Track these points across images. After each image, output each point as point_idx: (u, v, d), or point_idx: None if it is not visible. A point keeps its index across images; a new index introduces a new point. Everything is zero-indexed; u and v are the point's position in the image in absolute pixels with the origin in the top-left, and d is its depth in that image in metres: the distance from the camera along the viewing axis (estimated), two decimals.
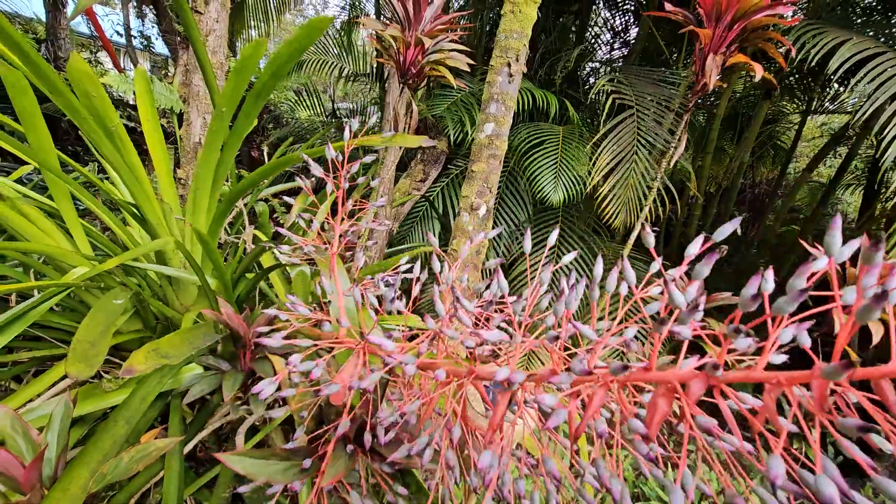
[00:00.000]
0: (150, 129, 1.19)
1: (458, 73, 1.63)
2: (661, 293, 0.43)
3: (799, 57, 1.71)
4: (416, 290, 0.62)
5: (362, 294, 0.65)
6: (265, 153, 2.03)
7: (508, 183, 2.95)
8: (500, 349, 0.48)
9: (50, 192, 1.49)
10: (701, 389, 0.30)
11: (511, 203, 2.94)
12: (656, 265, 0.40)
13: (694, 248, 0.37)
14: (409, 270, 0.72)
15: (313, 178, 2.18)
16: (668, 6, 1.43)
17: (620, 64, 4.20)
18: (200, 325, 0.89)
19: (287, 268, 1.58)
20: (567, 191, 2.50)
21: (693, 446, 0.33)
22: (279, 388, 1.16)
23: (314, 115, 5.76)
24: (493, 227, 2.69)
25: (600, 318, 0.47)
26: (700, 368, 0.33)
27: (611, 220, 2.46)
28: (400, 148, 2.09)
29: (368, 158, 0.68)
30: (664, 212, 2.63)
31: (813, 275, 0.33)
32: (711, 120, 3.38)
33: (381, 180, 1.96)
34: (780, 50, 1.45)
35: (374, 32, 1.29)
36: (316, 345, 0.55)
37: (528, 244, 0.48)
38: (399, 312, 0.66)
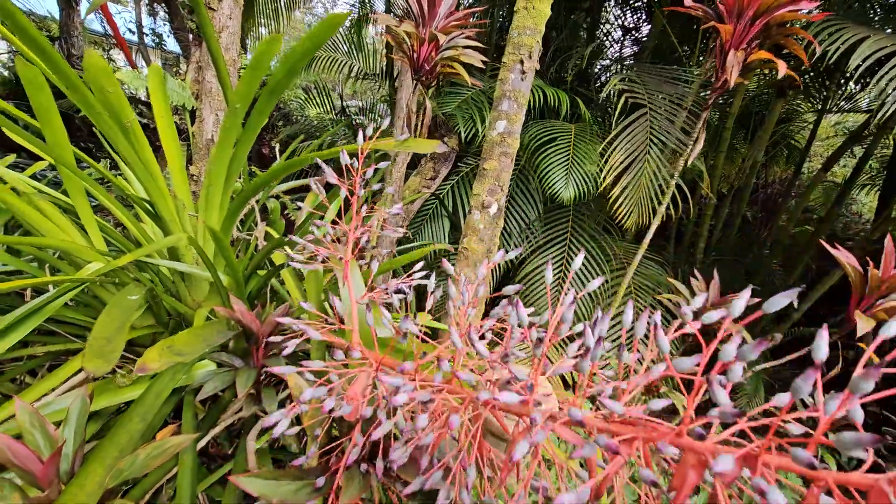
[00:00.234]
0: (164, 126, 1.19)
1: (470, 70, 1.62)
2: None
3: (817, 54, 1.68)
4: (430, 303, 0.60)
5: (373, 300, 0.64)
6: (277, 150, 2.04)
7: (518, 181, 2.93)
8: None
9: (64, 188, 1.50)
10: (736, 473, 0.28)
11: (521, 201, 2.93)
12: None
13: (740, 304, 0.32)
14: (417, 273, 0.71)
15: (323, 178, 2.17)
16: (687, 1, 1.40)
17: (631, 61, 4.16)
18: (214, 322, 0.88)
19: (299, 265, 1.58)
20: (578, 187, 2.47)
21: None
22: (290, 399, 1.15)
23: (323, 113, 5.77)
24: (504, 226, 2.67)
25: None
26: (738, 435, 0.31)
27: (623, 220, 2.44)
28: None
29: (383, 164, 0.67)
30: (676, 212, 2.60)
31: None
32: (724, 119, 3.33)
33: (392, 179, 1.96)
34: (791, 48, 1.42)
35: (387, 28, 1.28)
36: (327, 366, 0.54)
37: (549, 276, 0.46)
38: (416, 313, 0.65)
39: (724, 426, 0.30)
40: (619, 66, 4.44)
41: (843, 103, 4.76)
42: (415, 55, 1.30)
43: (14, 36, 0.95)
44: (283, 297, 1.50)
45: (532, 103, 2.65)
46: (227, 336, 0.79)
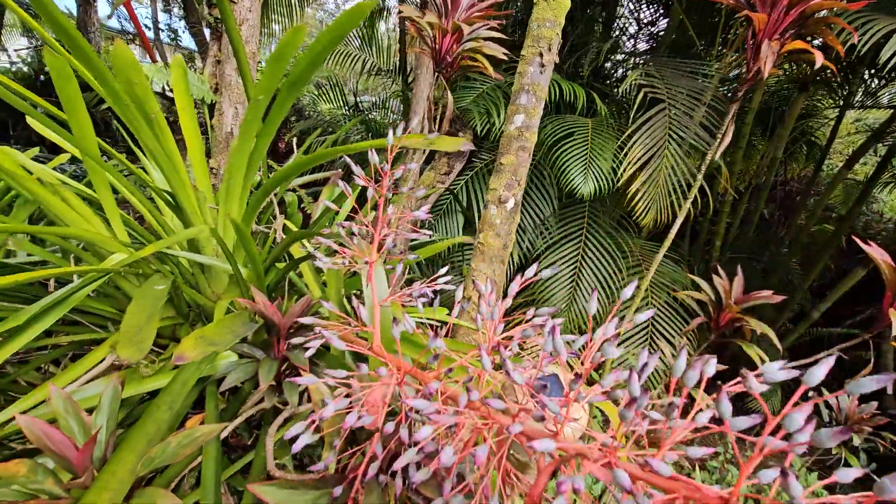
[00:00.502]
0: (186, 118, 1.20)
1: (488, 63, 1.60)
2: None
3: (856, 45, 1.62)
4: (456, 312, 0.59)
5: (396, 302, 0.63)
6: (294, 143, 2.04)
7: (533, 176, 2.91)
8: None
9: (88, 180, 1.52)
10: None
11: (536, 197, 2.90)
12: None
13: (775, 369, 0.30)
14: (441, 278, 0.70)
15: (339, 172, 2.15)
16: None
17: (647, 56, 4.10)
18: (238, 314, 0.89)
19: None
20: (597, 182, 2.44)
21: None
22: (307, 399, 1.15)
23: (335, 108, 5.78)
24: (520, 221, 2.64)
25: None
26: None
27: (641, 217, 2.40)
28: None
29: (413, 166, 0.66)
30: (694, 208, 2.56)
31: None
32: (744, 114, 3.27)
33: (408, 173, 1.95)
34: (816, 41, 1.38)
35: (408, 20, 1.26)
36: (351, 375, 0.53)
37: (593, 307, 0.44)
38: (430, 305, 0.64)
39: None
40: (634, 61, 4.38)
41: (863, 99, 4.64)
42: (437, 47, 1.29)
43: (42, 26, 0.95)
44: (301, 289, 1.50)
45: (547, 98, 2.62)
46: (253, 328, 0.79)
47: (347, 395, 0.57)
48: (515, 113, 1.75)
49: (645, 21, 4.48)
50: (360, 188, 0.73)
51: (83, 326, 1.35)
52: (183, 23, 5.76)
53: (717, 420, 0.35)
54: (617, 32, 4.22)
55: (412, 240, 2.26)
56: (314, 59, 0.92)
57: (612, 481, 0.35)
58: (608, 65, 4.35)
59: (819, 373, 0.27)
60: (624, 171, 2.38)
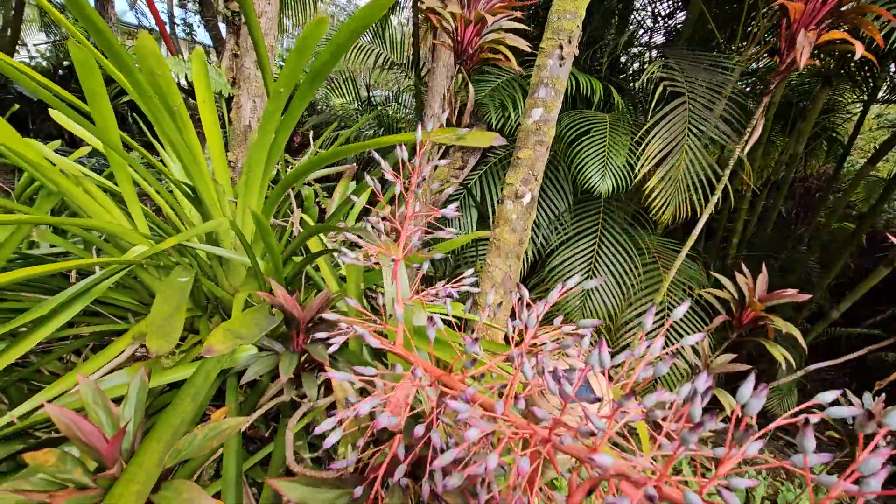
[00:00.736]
0: (206, 111, 1.20)
1: (507, 57, 1.58)
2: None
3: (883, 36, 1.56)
4: (485, 315, 0.58)
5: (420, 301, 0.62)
6: (311, 137, 2.04)
7: (549, 171, 2.87)
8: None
9: (110, 172, 1.53)
10: None
11: (551, 192, 2.87)
12: None
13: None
14: (467, 279, 0.68)
15: (353, 167, 2.14)
16: None
17: (663, 49, 4.02)
18: (260, 307, 0.89)
19: (334, 253, 1.58)
20: (615, 180, 2.41)
21: None
22: (330, 386, 1.15)
23: (348, 103, 5.77)
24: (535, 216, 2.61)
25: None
26: None
27: (658, 213, 2.36)
28: None
29: (442, 162, 0.64)
30: (716, 204, 2.51)
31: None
32: (765, 109, 3.19)
33: (433, 170, 1.94)
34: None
35: (429, 10, 1.24)
36: (381, 374, 0.52)
37: (648, 323, 0.42)
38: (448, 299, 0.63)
39: None
40: (650, 54, 4.30)
41: (888, 94, 4.51)
42: (458, 38, 1.27)
43: (67, 18, 0.95)
44: (318, 283, 1.50)
45: (565, 92, 2.58)
46: (275, 322, 0.79)
47: (362, 392, 0.56)
48: (533, 107, 1.72)
49: (663, 13, 4.40)
50: (369, 184, 0.72)
51: (104, 317, 1.36)
52: (198, 17, 5.80)
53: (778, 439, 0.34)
54: (634, 25, 4.15)
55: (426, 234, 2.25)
56: (336, 51, 0.91)
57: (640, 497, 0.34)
58: (624, 58, 4.28)
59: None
60: (642, 166, 2.34)
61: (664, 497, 0.31)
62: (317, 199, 2.13)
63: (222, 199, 1.23)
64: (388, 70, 5.04)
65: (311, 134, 2.11)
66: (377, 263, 1.32)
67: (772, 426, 0.31)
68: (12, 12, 5.42)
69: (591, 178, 2.39)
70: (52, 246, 1.45)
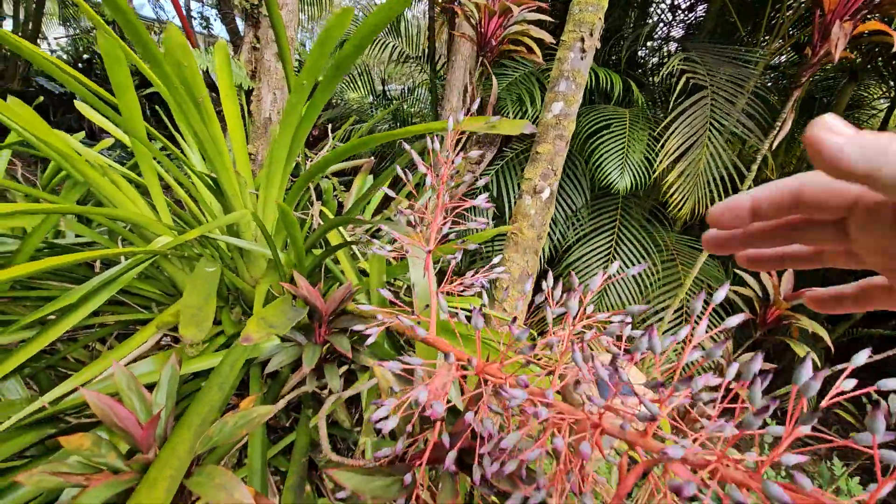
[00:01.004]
0: (229, 103, 1.21)
1: (530, 49, 1.56)
2: None
3: None
4: (522, 311, 0.58)
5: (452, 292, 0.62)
6: (329, 129, 2.05)
7: (566, 166, 2.85)
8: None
9: (133, 163, 1.55)
10: None
11: (568, 187, 2.85)
12: None
13: None
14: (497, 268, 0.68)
15: (371, 159, 2.14)
16: None
17: (687, 42, 3.95)
18: (285, 299, 0.89)
19: (353, 246, 1.59)
20: (634, 176, 2.37)
21: None
22: (351, 375, 1.16)
23: (363, 97, 5.78)
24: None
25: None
26: None
27: (677, 209, 2.33)
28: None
29: (475, 153, 0.64)
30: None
31: None
32: (794, 103, 3.12)
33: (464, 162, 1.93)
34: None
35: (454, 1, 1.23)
36: (424, 363, 0.52)
37: (698, 306, 0.41)
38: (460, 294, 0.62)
39: None
40: (668, 48, 4.23)
41: None
42: (482, 30, 1.26)
43: (93, 9, 0.96)
44: (337, 275, 1.51)
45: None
46: (302, 313, 0.80)
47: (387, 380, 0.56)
48: (554, 100, 1.70)
49: (683, 6, 4.31)
50: (400, 175, 0.71)
51: (128, 307, 1.39)
52: (215, 11, 5.84)
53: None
54: (654, 18, 4.08)
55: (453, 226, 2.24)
56: (360, 43, 0.90)
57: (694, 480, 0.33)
58: (641, 53, 4.21)
59: None
60: (661, 161, 2.30)
61: (724, 478, 0.30)
62: (334, 193, 2.14)
63: (244, 190, 1.24)
64: (403, 63, 5.03)
65: (329, 127, 2.12)
66: (395, 258, 1.31)
67: (832, 399, 0.31)
68: (34, 5, 5.52)
69: (609, 174, 2.36)
70: (77, 236, 1.48)
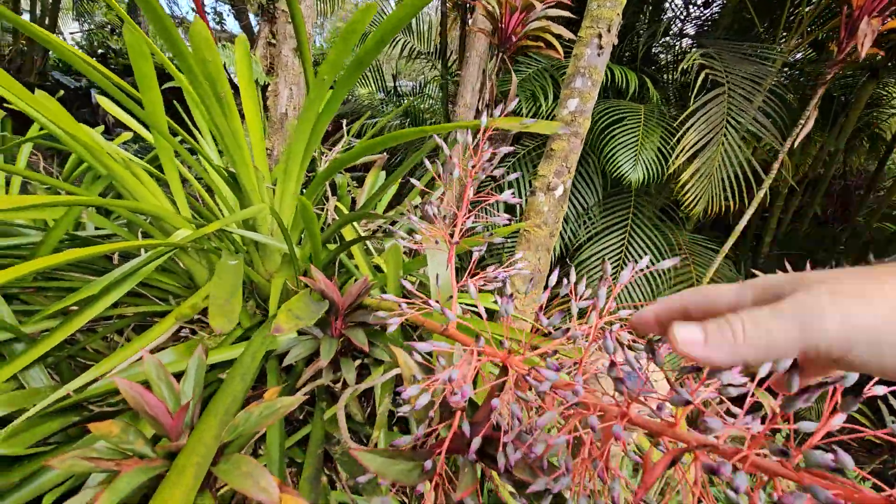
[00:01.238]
0: (247, 98, 1.22)
1: (550, 45, 1.55)
2: None
3: None
4: (542, 302, 0.58)
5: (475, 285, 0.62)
6: (344, 125, 2.05)
7: (578, 163, 2.84)
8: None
9: (155, 155, 1.57)
10: None
11: (580, 185, 2.83)
12: None
13: None
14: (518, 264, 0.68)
15: (384, 154, 2.14)
16: None
17: (703, 39, 3.90)
18: (306, 293, 0.90)
19: (367, 242, 1.60)
20: (647, 169, 2.35)
21: None
22: (366, 368, 1.16)
23: (373, 93, 5.78)
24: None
25: None
26: None
27: (690, 207, 2.31)
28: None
29: (504, 150, 0.64)
30: (745, 202, 2.44)
31: None
32: (805, 102, 3.08)
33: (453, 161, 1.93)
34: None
35: None
36: (452, 348, 0.52)
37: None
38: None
39: None
40: (680, 44, 4.18)
41: None
42: (502, 26, 1.25)
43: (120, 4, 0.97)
44: (351, 270, 1.52)
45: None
46: (325, 306, 0.81)
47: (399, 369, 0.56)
48: (569, 97, 1.69)
49: (698, 2, 4.26)
50: (430, 170, 0.71)
51: (146, 299, 1.41)
52: (228, 6, 5.87)
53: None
54: (669, 14, 4.03)
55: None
56: (382, 37, 0.91)
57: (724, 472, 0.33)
58: (655, 49, 4.17)
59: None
60: (677, 157, 2.28)
61: (758, 468, 0.30)
62: (348, 189, 2.15)
63: (261, 185, 1.25)
64: (414, 60, 5.02)
65: (344, 122, 2.13)
66: (413, 250, 1.32)
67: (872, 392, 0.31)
68: (50, 0, 5.58)
69: (622, 166, 2.34)
70: (97, 227, 1.50)
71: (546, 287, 0.56)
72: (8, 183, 1.67)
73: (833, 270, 0.30)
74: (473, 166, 0.63)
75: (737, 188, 2.38)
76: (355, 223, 1.53)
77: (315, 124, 1.17)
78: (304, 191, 1.42)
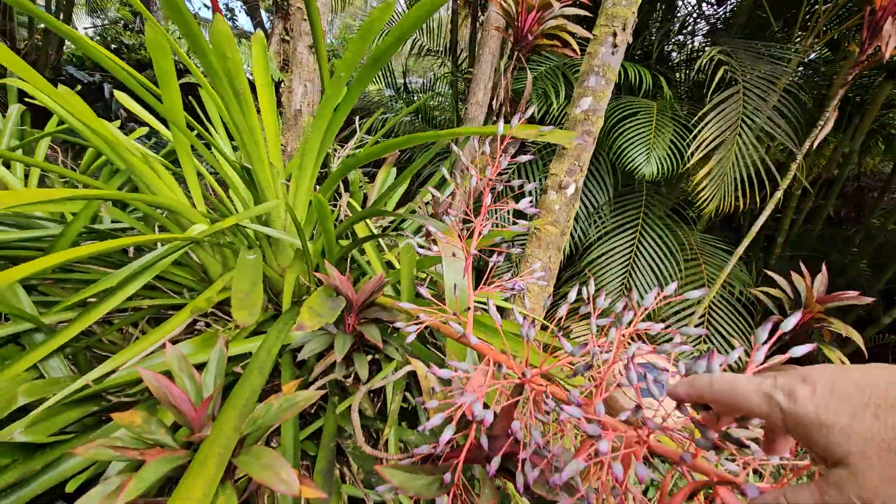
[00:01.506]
0: (264, 94, 1.22)
1: (566, 43, 1.54)
2: None
3: None
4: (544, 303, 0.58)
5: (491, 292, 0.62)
6: (356, 121, 2.06)
7: (590, 161, 2.83)
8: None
9: (171, 150, 1.58)
10: None
11: (590, 183, 2.82)
12: None
13: None
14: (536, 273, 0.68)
15: (396, 152, 2.13)
16: None
17: (715, 37, 3.86)
18: (323, 289, 0.91)
19: (380, 239, 1.60)
20: (661, 164, 2.33)
21: None
22: (377, 364, 1.16)
23: (383, 89, 5.79)
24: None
25: None
26: None
27: (703, 205, 2.29)
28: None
29: (524, 158, 0.64)
30: (756, 202, 2.42)
31: None
32: (820, 102, 3.04)
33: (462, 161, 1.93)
34: None
35: None
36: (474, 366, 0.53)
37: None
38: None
39: None
40: (693, 43, 4.14)
41: None
42: (518, 24, 1.25)
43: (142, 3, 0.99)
44: (363, 266, 1.53)
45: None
46: (342, 303, 0.81)
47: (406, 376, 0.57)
48: (582, 96, 1.69)
49: (712, 0, 4.21)
50: (446, 176, 0.72)
51: (161, 292, 1.43)
52: (240, 3, 5.89)
53: None
54: (683, 12, 3.99)
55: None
56: (401, 35, 0.91)
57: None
58: (667, 48, 4.14)
59: None
60: (692, 154, 2.26)
61: None
62: (360, 185, 2.16)
63: (276, 181, 1.26)
64: (424, 57, 5.02)
65: (356, 118, 2.13)
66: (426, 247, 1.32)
67: None
68: None
69: (636, 159, 2.32)
70: (113, 221, 1.52)
71: (564, 299, 0.56)
72: (27, 176, 1.70)
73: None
74: (490, 178, 0.63)
75: (748, 187, 2.36)
76: (367, 220, 1.54)
77: (330, 122, 1.18)
78: (318, 187, 1.43)
